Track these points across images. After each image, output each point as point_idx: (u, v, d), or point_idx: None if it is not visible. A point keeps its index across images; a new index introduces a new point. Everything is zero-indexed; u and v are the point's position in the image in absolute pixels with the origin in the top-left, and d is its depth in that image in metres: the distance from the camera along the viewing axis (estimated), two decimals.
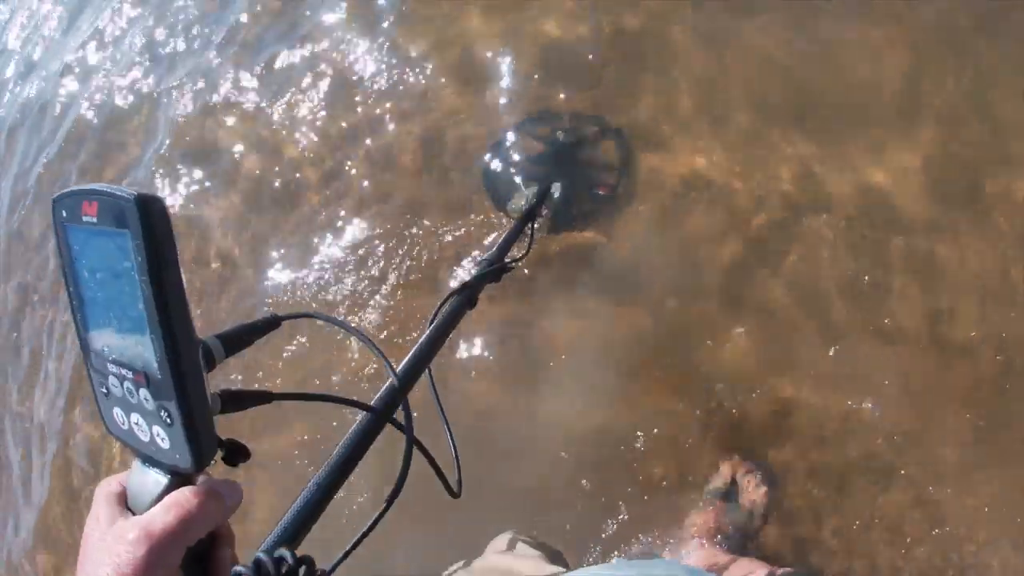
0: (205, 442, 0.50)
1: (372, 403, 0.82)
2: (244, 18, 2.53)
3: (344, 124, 2.18)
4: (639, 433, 1.69)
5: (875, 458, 1.61)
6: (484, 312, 1.64)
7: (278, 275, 2.13)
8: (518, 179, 1.75)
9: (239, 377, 2.05)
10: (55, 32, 3.55)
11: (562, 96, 1.85)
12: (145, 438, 0.52)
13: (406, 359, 0.95)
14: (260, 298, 2.13)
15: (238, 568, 0.53)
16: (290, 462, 1.93)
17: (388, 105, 2.12)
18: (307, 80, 2.28)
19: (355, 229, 2.05)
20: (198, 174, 2.40)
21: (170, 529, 0.51)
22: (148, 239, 0.44)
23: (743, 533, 1.60)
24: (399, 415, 0.80)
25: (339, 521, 1.54)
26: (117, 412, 0.54)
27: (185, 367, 0.47)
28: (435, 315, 1.07)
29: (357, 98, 2.18)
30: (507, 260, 1.33)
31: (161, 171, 2.44)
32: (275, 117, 2.31)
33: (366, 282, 1.98)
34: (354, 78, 2.20)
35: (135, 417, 0.52)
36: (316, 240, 2.10)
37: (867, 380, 1.63)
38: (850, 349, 1.65)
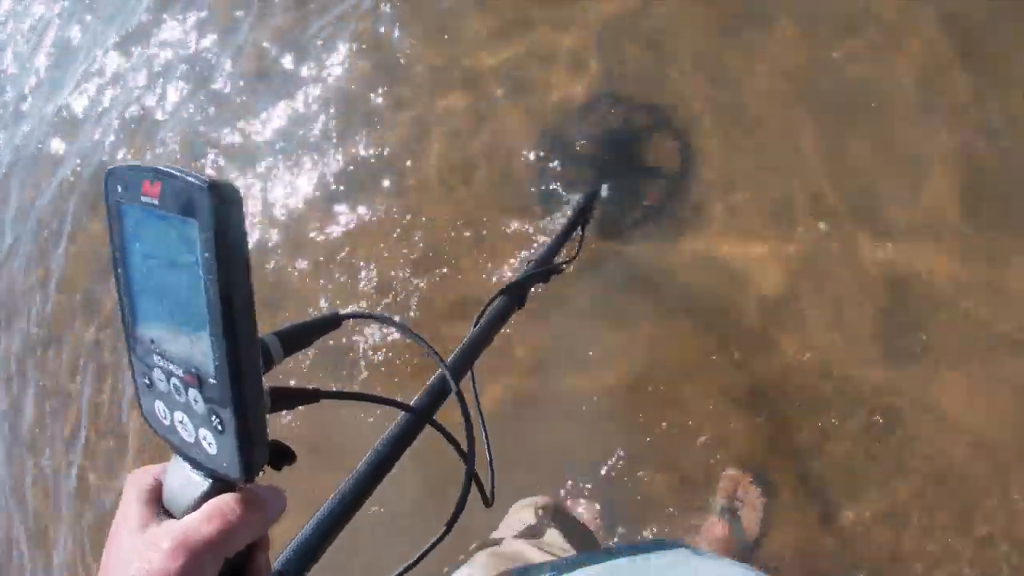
0: (258, 452, 0.45)
1: (413, 403, 0.79)
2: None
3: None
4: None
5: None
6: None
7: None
8: (568, 178, 1.69)
9: None
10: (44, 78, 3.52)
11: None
12: (189, 439, 0.48)
13: (450, 358, 0.91)
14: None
15: None
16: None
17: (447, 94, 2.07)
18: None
19: (405, 223, 2.00)
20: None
21: (210, 540, 0.47)
22: (219, 234, 0.39)
23: (747, 544, 1.61)
24: (443, 416, 0.76)
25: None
26: (159, 406, 0.50)
27: (246, 375, 0.43)
28: (481, 314, 1.03)
29: (407, 89, 2.13)
30: (556, 262, 1.28)
31: None
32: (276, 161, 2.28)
33: (413, 280, 1.94)
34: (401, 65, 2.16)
35: (180, 416, 0.48)
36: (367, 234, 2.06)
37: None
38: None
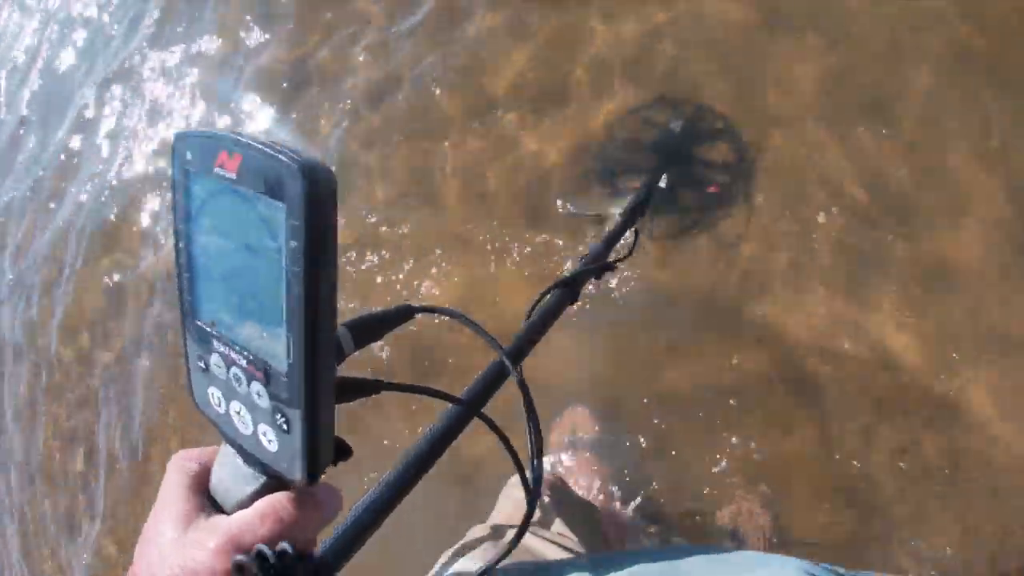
0: (324, 455, 0.42)
1: (462, 395, 0.75)
2: None
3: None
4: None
5: None
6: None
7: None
8: (626, 176, 1.64)
9: None
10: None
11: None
12: (246, 431, 0.44)
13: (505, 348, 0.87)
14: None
15: None
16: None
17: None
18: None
19: (459, 218, 1.95)
20: None
21: (263, 543, 0.44)
22: (311, 222, 0.34)
23: None
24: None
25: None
26: (213, 393, 0.46)
27: (321, 377, 0.39)
28: (532, 308, 0.99)
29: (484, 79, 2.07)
30: (611, 259, 1.23)
31: None
32: None
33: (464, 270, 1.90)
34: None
35: (237, 406, 0.44)
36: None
37: None
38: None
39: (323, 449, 0.41)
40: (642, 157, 1.67)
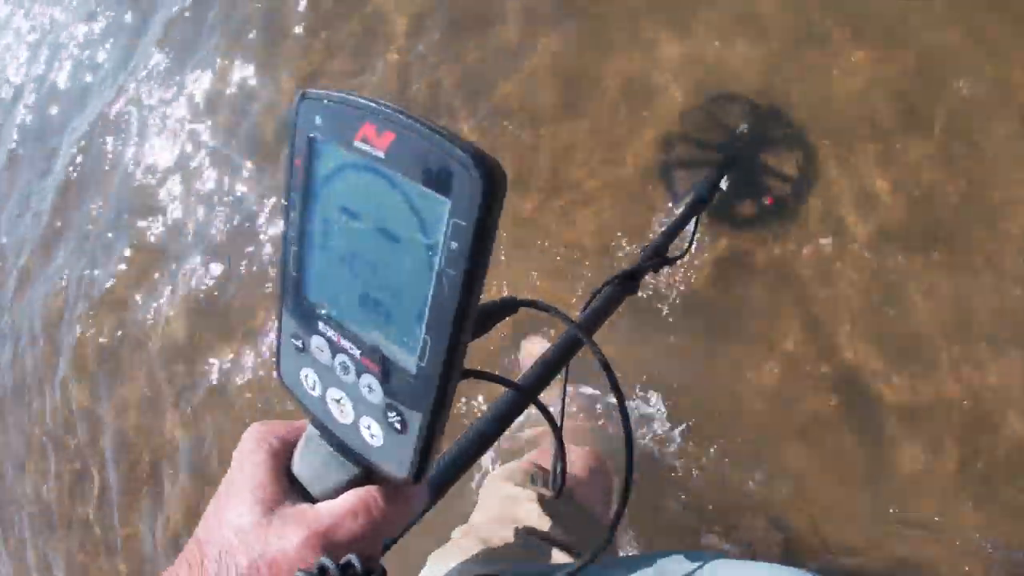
0: (434, 455, 0.39)
1: (519, 380, 0.75)
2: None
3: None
4: None
5: None
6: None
7: None
8: (692, 170, 1.58)
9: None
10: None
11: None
12: (343, 420, 0.42)
13: (557, 342, 0.85)
14: None
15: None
16: None
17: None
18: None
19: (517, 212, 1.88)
20: None
21: (354, 538, 0.41)
22: (482, 226, 0.30)
23: None
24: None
25: None
26: (308, 375, 0.43)
27: (452, 380, 0.36)
28: (591, 300, 0.97)
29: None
30: (670, 253, 1.19)
31: None
32: None
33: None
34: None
35: (336, 394, 0.42)
36: None
37: None
38: None
39: (435, 450, 0.38)
40: (707, 154, 1.62)
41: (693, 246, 1.36)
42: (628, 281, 1.04)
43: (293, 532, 0.40)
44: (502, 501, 1.00)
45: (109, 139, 2.68)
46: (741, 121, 1.59)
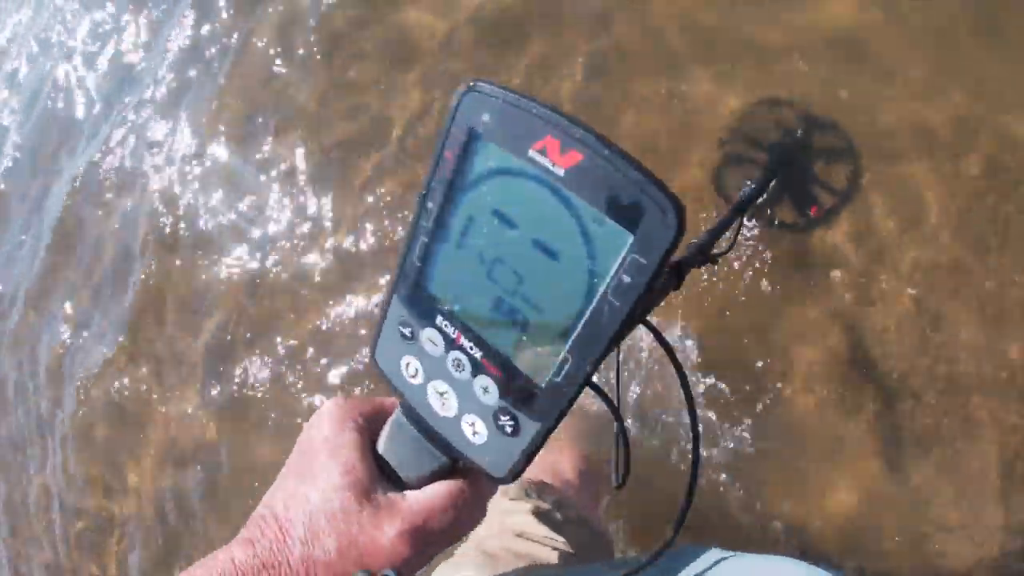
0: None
1: None
2: None
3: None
4: None
5: None
6: None
7: None
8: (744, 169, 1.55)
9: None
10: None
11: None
12: (444, 413, 0.41)
13: None
14: None
15: None
16: None
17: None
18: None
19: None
20: None
21: (444, 532, 0.41)
22: (661, 267, 0.31)
23: None
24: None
25: None
26: (409, 363, 0.42)
27: (577, 396, 0.36)
28: None
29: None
30: (714, 251, 1.18)
31: None
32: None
33: None
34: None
35: (441, 386, 0.41)
36: None
37: None
38: None
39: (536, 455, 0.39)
40: (758, 153, 1.59)
41: (734, 244, 1.35)
42: (673, 274, 1.04)
43: (389, 524, 0.40)
44: (501, 515, 1.01)
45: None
46: (795, 127, 1.56)
